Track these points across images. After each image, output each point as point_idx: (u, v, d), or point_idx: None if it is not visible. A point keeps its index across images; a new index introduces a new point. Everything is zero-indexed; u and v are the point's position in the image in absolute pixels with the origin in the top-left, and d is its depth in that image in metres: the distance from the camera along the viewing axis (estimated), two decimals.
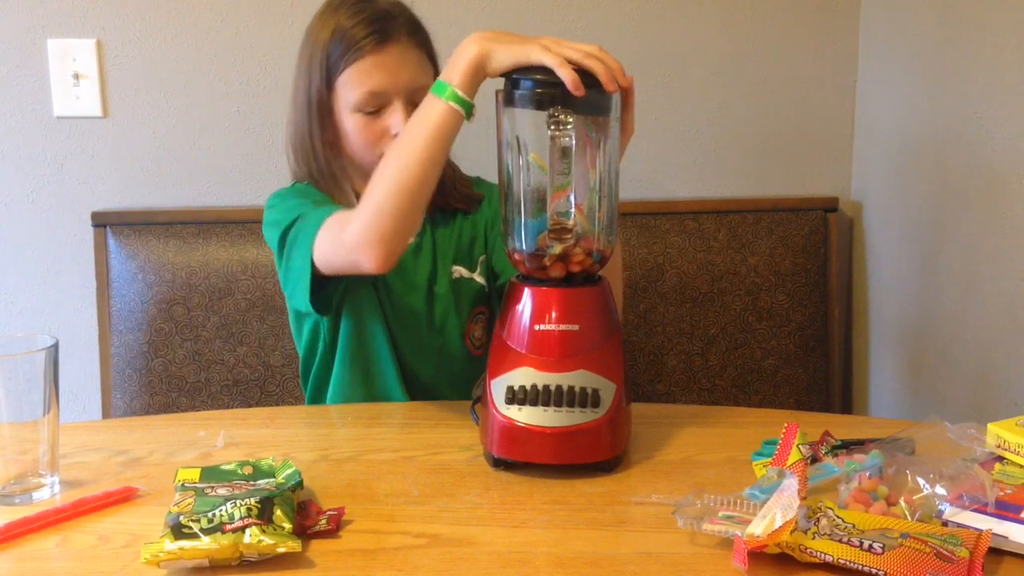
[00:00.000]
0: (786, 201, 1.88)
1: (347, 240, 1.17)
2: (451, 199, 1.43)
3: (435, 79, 1.13)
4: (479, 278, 1.45)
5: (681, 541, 0.93)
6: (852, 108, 1.89)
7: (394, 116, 1.32)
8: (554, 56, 1.03)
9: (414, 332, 1.40)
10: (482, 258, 1.46)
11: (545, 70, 1.07)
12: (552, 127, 1.04)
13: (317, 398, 1.42)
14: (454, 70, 1.10)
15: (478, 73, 1.09)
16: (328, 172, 1.38)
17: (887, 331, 1.80)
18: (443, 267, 1.43)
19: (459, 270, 1.44)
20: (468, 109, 1.10)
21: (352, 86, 1.32)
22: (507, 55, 1.06)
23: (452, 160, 1.37)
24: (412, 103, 1.28)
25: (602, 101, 1.09)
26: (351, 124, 1.34)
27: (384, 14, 1.33)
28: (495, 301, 1.47)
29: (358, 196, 1.35)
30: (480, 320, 1.46)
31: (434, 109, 1.11)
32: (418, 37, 1.36)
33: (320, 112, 1.35)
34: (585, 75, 1.05)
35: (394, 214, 1.14)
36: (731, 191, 1.92)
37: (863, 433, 1.13)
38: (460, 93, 1.09)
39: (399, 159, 1.14)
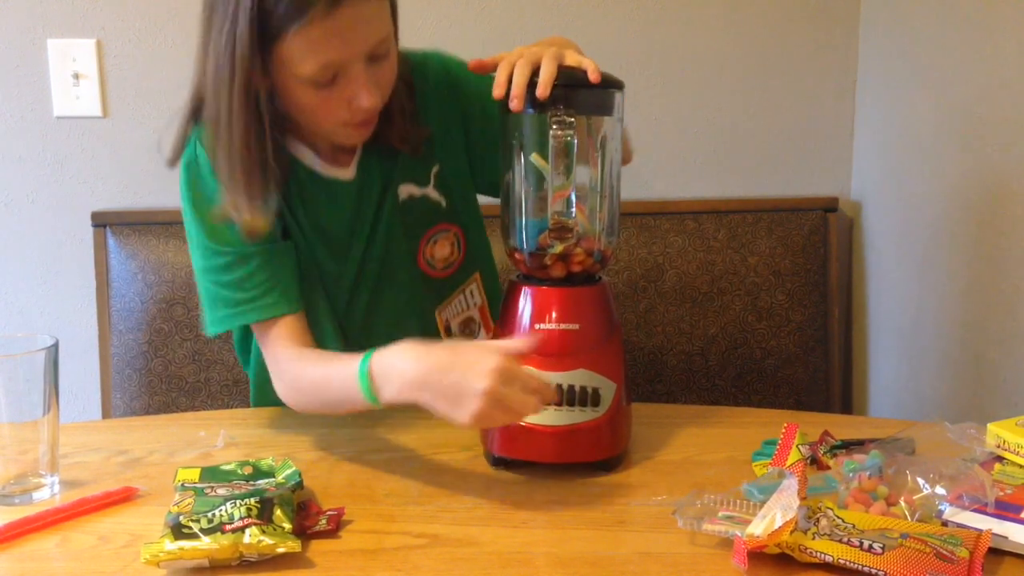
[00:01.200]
0: (786, 201, 1.88)
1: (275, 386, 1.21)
2: (394, 141, 1.25)
3: (394, 21, 1.13)
4: (434, 193, 1.30)
5: (681, 541, 0.93)
6: (852, 108, 1.89)
7: (354, 85, 1.10)
8: (475, 423, 0.96)
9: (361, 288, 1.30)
10: (436, 169, 1.29)
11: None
12: (553, 127, 1.04)
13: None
14: (387, 392, 1.02)
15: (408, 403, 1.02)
16: (249, 156, 1.13)
17: (887, 331, 1.80)
18: (386, 208, 1.27)
19: (408, 188, 1.28)
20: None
21: (300, 58, 1.07)
22: (436, 412, 0.99)
23: (402, 103, 1.22)
24: (373, 59, 1.11)
25: (604, 102, 1.08)
26: (302, 96, 1.12)
27: None
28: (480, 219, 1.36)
29: (312, 142, 1.22)
30: (441, 240, 1.31)
31: (357, 397, 1.04)
32: None
33: (247, 81, 1.08)
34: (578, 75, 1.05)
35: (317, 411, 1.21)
36: (731, 191, 1.92)
37: (863, 433, 1.13)
38: (383, 404, 1.03)
39: (320, 406, 1.17)
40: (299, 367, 1.16)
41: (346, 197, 1.25)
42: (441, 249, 1.32)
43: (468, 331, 1.35)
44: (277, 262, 1.20)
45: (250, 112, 1.11)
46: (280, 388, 1.19)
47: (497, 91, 1.06)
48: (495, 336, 1.13)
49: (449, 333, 1.34)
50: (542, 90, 1.02)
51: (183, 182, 1.22)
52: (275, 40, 1.06)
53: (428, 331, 1.31)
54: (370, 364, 1.03)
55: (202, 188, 1.20)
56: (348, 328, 1.29)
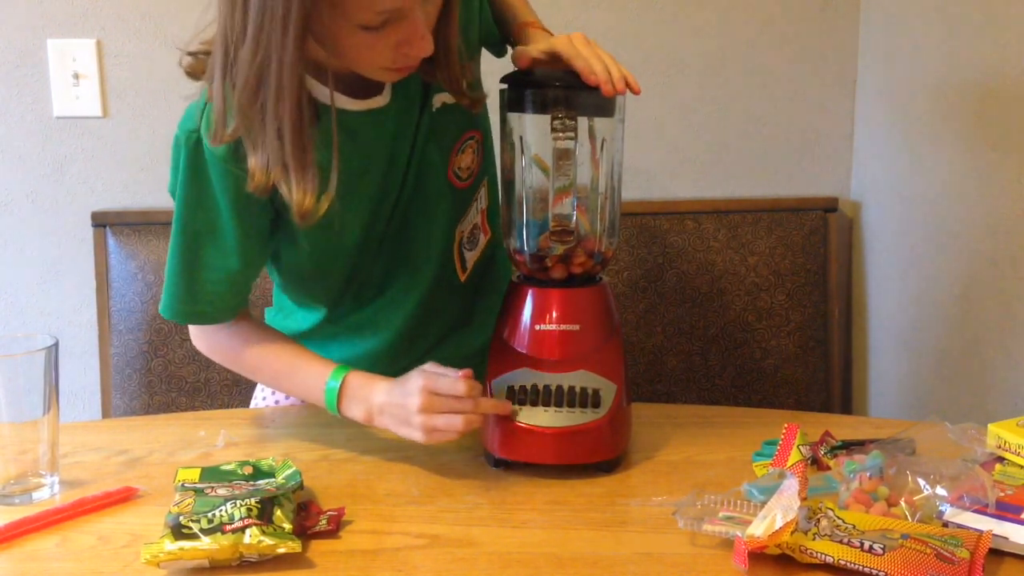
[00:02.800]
0: (786, 201, 1.88)
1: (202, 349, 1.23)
2: (443, 83, 1.15)
3: None
4: (465, 96, 1.20)
5: (681, 542, 0.93)
6: (852, 108, 1.89)
7: (408, 30, 1.00)
8: (428, 438, 1.07)
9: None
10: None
11: (545, 73, 1.07)
12: (555, 129, 1.04)
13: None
14: (352, 411, 1.12)
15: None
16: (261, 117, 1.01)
17: (887, 331, 1.80)
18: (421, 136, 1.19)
19: (442, 97, 1.19)
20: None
21: (364, 3, 0.97)
22: (398, 434, 1.10)
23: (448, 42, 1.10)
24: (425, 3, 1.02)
25: (605, 103, 1.09)
26: (346, 40, 1.00)
27: None
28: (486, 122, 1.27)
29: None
30: (468, 148, 1.25)
31: (317, 396, 1.14)
32: None
33: (302, 30, 0.96)
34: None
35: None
36: (731, 191, 1.91)
37: (863, 433, 1.13)
38: (340, 415, 1.13)
39: (273, 383, 1.25)
40: (257, 337, 1.20)
41: (383, 124, 1.15)
42: (466, 158, 1.25)
43: (473, 239, 1.29)
44: (254, 252, 1.16)
45: (303, 63, 0.98)
46: (209, 343, 1.22)
47: (608, 88, 1.04)
48: (495, 339, 1.13)
49: (460, 246, 1.28)
50: (636, 87, 1.07)
51: (185, 158, 1.09)
52: None
53: (448, 246, 1.25)
54: (344, 382, 1.11)
55: (206, 169, 1.09)
56: (375, 252, 1.23)
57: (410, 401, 1.06)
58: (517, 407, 1.07)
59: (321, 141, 1.04)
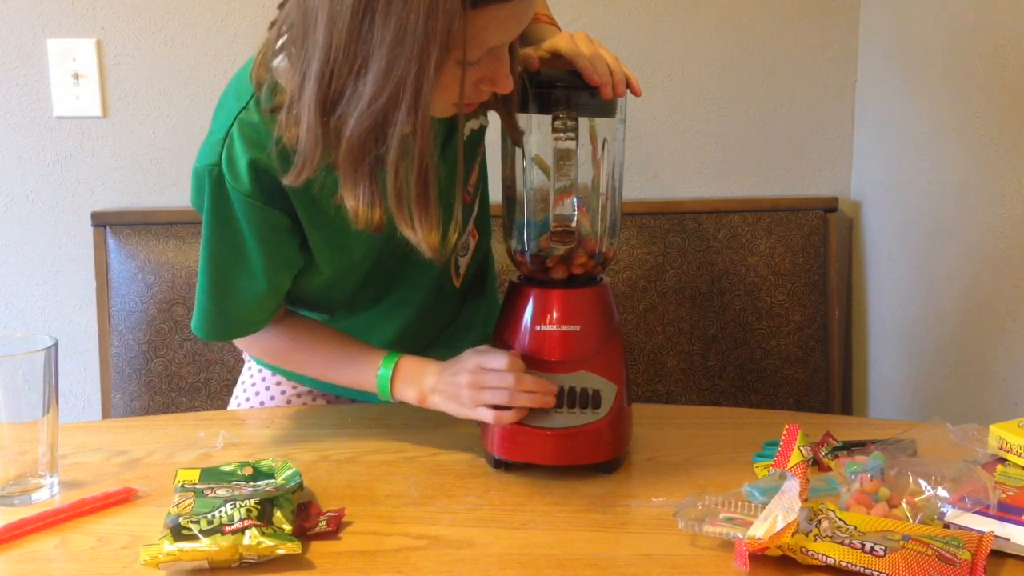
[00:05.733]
0: (786, 201, 1.88)
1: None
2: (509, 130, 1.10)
3: None
4: (484, 119, 1.20)
5: (682, 543, 0.93)
6: (852, 108, 1.89)
7: (496, 68, 0.95)
8: (476, 412, 1.09)
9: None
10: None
11: (547, 74, 1.07)
12: (556, 130, 1.04)
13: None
14: (405, 394, 1.14)
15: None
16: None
17: (887, 331, 1.80)
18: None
19: (470, 124, 1.17)
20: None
21: (482, 34, 0.89)
22: (448, 412, 1.12)
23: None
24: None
25: (606, 103, 1.08)
26: (450, 78, 0.90)
27: None
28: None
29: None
30: (477, 164, 1.24)
31: (367, 384, 1.16)
32: None
33: (445, 53, 0.86)
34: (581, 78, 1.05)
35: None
36: (731, 191, 1.91)
37: (864, 434, 1.13)
38: (392, 400, 1.16)
39: (322, 374, 1.23)
40: (300, 331, 1.21)
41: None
42: (474, 175, 1.23)
43: (465, 245, 1.28)
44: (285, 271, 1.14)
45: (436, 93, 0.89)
46: (253, 347, 1.24)
47: (608, 91, 1.03)
48: (495, 339, 1.13)
49: (455, 254, 1.27)
50: (621, 89, 1.05)
51: (208, 192, 1.05)
52: (475, 7, 0.87)
53: (447, 258, 1.24)
54: (396, 366, 1.14)
55: (230, 203, 1.05)
56: (378, 267, 1.20)
57: (460, 377, 1.09)
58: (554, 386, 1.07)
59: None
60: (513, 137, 1.10)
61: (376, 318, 1.27)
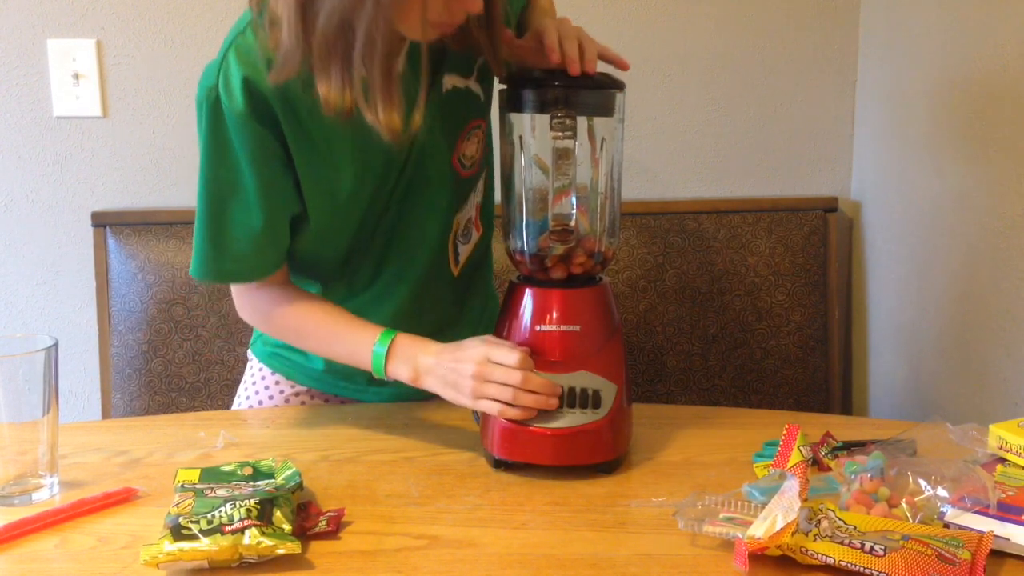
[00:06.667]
0: (786, 201, 1.88)
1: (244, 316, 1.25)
2: (484, 50, 1.16)
3: None
4: (475, 85, 1.23)
5: (682, 543, 0.93)
6: (852, 108, 1.89)
7: None
8: (474, 403, 1.09)
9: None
10: (480, 60, 1.22)
11: (545, 73, 1.07)
12: (554, 128, 1.04)
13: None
14: (399, 372, 1.13)
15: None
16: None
17: (887, 331, 1.80)
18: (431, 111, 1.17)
19: (452, 79, 1.20)
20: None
21: None
22: (443, 395, 1.12)
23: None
24: None
25: (605, 102, 1.08)
26: None
27: None
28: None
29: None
30: (473, 136, 1.24)
31: (363, 360, 1.15)
32: None
33: None
34: (587, 78, 1.06)
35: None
36: (731, 191, 1.91)
37: (864, 434, 1.13)
38: (386, 378, 1.15)
39: (315, 346, 1.23)
40: (299, 299, 1.21)
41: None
42: (471, 146, 1.25)
43: (467, 232, 1.29)
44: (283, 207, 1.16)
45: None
46: (250, 305, 1.23)
47: (576, 67, 1.06)
48: (496, 331, 1.13)
49: (455, 237, 1.28)
50: (590, 67, 1.07)
51: (206, 117, 1.10)
52: None
53: (445, 235, 1.25)
54: (392, 343, 1.13)
55: (225, 126, 1.09)
56: (371, 234, 1.23)
57: (464, 366, 1.08)
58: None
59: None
60: (495, 70, 1.15)
61: (372, 300, 1.26)
